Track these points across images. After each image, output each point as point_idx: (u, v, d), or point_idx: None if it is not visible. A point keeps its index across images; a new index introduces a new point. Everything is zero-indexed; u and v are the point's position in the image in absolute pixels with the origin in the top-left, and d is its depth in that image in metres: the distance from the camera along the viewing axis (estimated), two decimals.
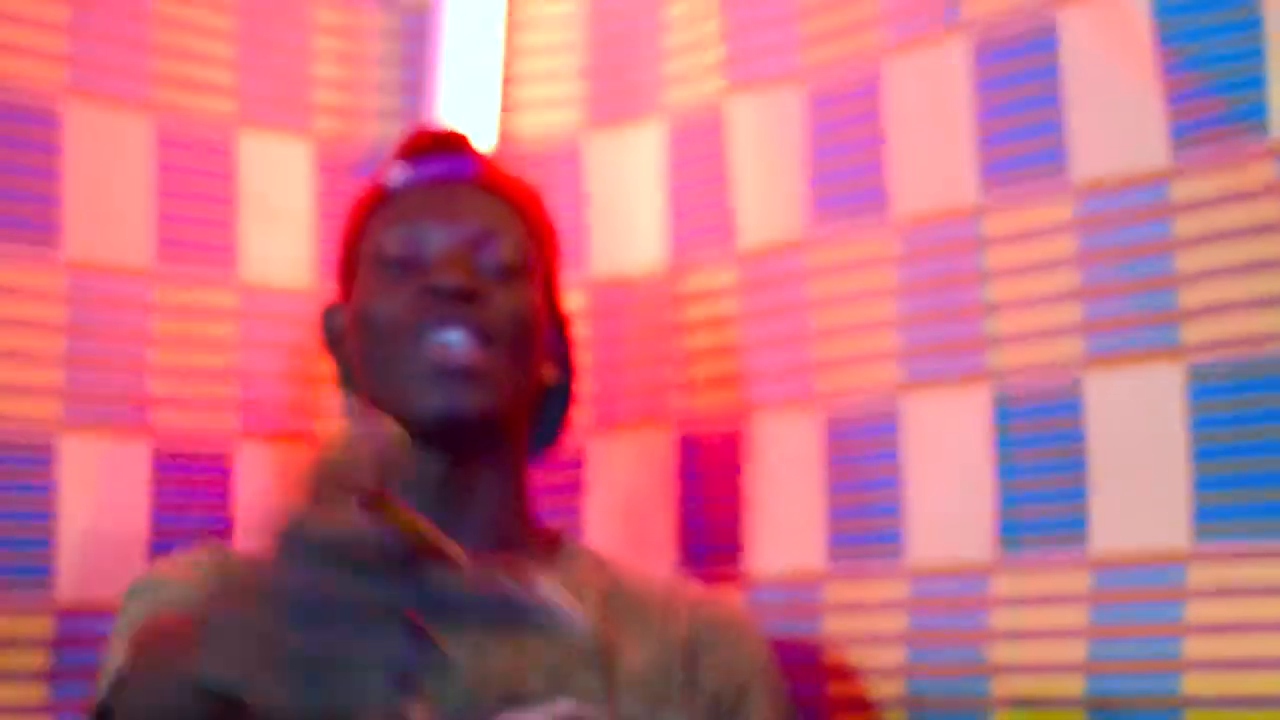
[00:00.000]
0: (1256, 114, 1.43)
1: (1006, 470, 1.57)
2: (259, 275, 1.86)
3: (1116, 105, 1.52)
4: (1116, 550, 1.50)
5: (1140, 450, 1.49)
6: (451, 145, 1.66)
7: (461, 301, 1.55)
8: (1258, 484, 1.43)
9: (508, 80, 1.96)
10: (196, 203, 1.82)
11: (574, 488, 1.89)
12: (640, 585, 1.65)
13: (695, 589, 1.65)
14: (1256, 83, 1.44)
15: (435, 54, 1.95)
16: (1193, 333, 1.46)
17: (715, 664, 1.60)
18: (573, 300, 1.85)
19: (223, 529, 1.79)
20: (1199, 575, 1.44)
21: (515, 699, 1.55)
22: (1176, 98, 1.48)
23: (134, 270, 1.76)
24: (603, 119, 1.92)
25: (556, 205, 1.82)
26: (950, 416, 1.61)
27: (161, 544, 1.73)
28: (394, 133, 1.91)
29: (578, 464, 1.88)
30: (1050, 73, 1.56)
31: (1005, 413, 1.57)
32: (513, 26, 1.96)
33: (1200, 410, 1.45)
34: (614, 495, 1.86)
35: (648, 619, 1.61)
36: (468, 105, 1.93)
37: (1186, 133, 1.47)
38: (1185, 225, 1.48)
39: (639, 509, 1.86)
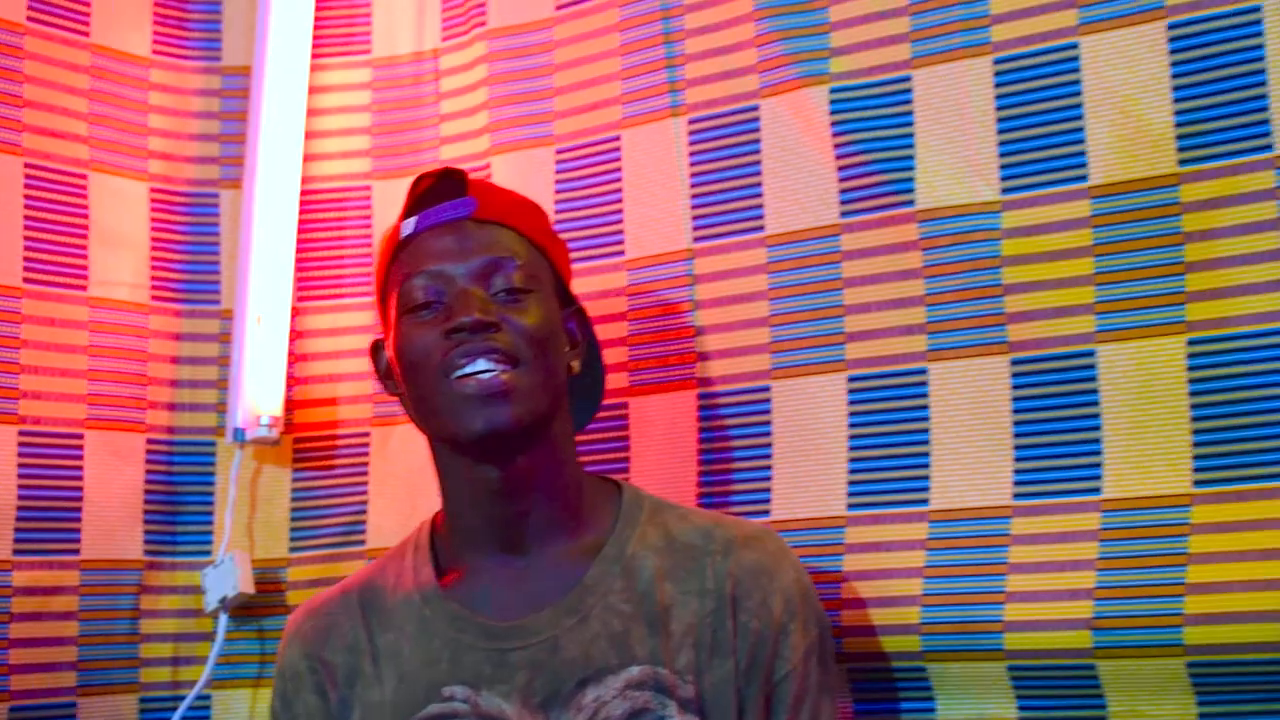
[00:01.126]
0: (906, 188, 1.90)
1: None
2: (104, 292, 2.20)
3: (802, 175, 1.96)
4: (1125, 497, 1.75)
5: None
6: (451, 185, 1.80)
7: (481, 333, 1.70)
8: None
9: (309, 134, 2.29)
10: (56, 231, 2.15)
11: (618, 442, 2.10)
12: (689, 533, 1.77)
13: (736, 531, 1.77)
14: (908, 164, 1.90)
15: (251, 110, 2.26)
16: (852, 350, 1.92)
17: (754, 607, 1.72)
18: None
19: (72, 497, 2.15)
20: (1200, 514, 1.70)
21: (592, 677, 1.71)
22: (845, 172, 1.94)
23: (6, 287, 2.10)
24: (387, 170, 2.29)
25: (347, 240, 2.21)
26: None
27: (25, 511, 2.09)
28: (216, 175, 2.28)
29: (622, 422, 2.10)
30: (754, 147, 2.00)
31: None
32: (314, 90, 2.30)
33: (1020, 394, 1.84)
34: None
35: (697, 570, 1.74)
36: (277, 154, 2.24)
37: (852, 198, 1.93)
38: (850, 268, 1.93)
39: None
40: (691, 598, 1.73)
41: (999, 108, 1.86)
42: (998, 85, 1.86)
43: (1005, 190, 1.85)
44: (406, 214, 1.80)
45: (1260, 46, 1.73)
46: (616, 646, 1.72)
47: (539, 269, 1.78)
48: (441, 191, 1.79)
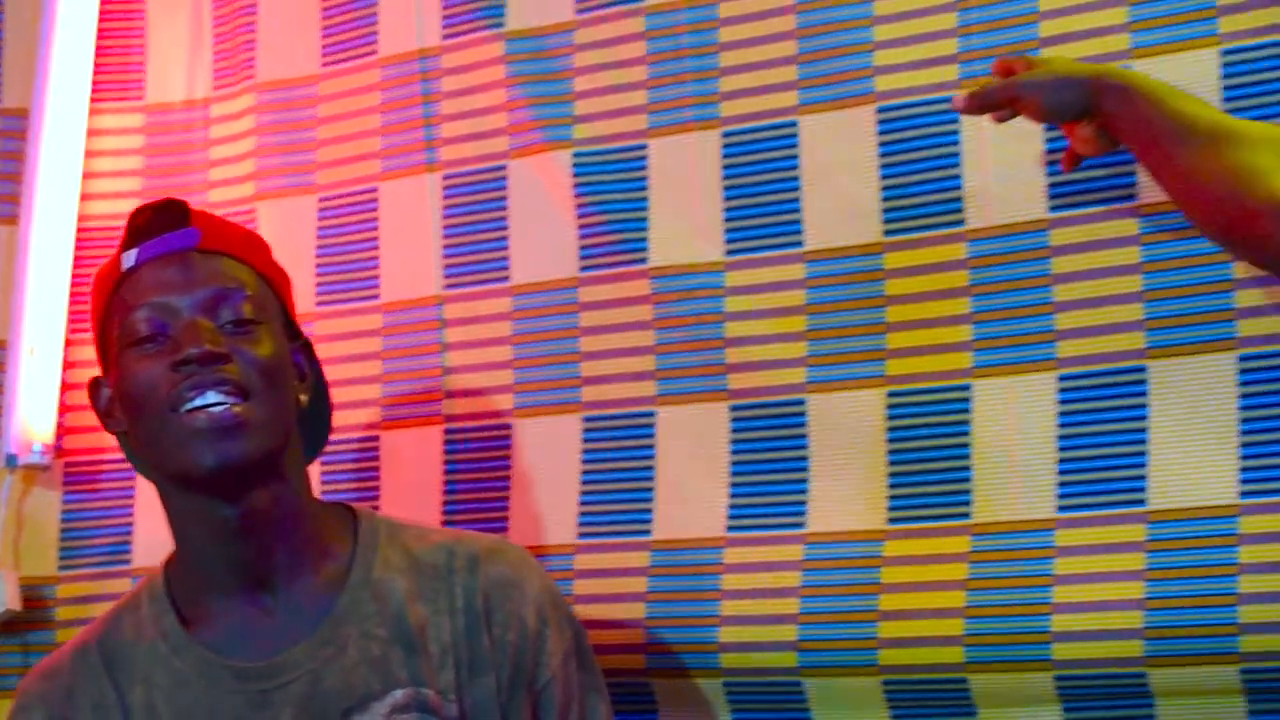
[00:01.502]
0: (640, 246, 2.08)
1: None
2: None
3: (545, 231, 2.13)
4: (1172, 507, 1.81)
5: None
6: (173, 217, 1.74)
7: (210, 364, 1.65)
8: None
9: (86, 174, 2.39)
10: None
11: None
12: (430, 552, 1.76)
13: (477, 545, 1.78)
14: (642, 225, 2.08)
15: (29, 150, 2.35)
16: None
17: (507, 620, 1.74)
18: None
19: None
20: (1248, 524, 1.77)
21: (357, 706, 1.69)
22: (585, 230, 2.12)
23: None
24: None
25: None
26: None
27: None
28: None
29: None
30: (501, 204, 2.17)
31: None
32: (90, 132, 2.40)
33: None
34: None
35: (445, 589, 1.74)
36: (53, 193, 2.34)
37: (590, 254, 2.11)
38: (587, 318, 2.10)
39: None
40: (444, 617, 1.73)
41: (725, 177, 2.04)
42: (725, 156, 2.04)
43: (729, 252, 2.03)
44: (126, 246, 1.75)
45: (956, 131, 1.93)
46: (378, 672, 1.70)
47: (267, 300, 1.75)
48: (163, 223, 1.74)
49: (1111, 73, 1.73)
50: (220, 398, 1.65)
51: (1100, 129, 1.73)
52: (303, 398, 1.78)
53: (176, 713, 1.71)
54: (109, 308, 1.75)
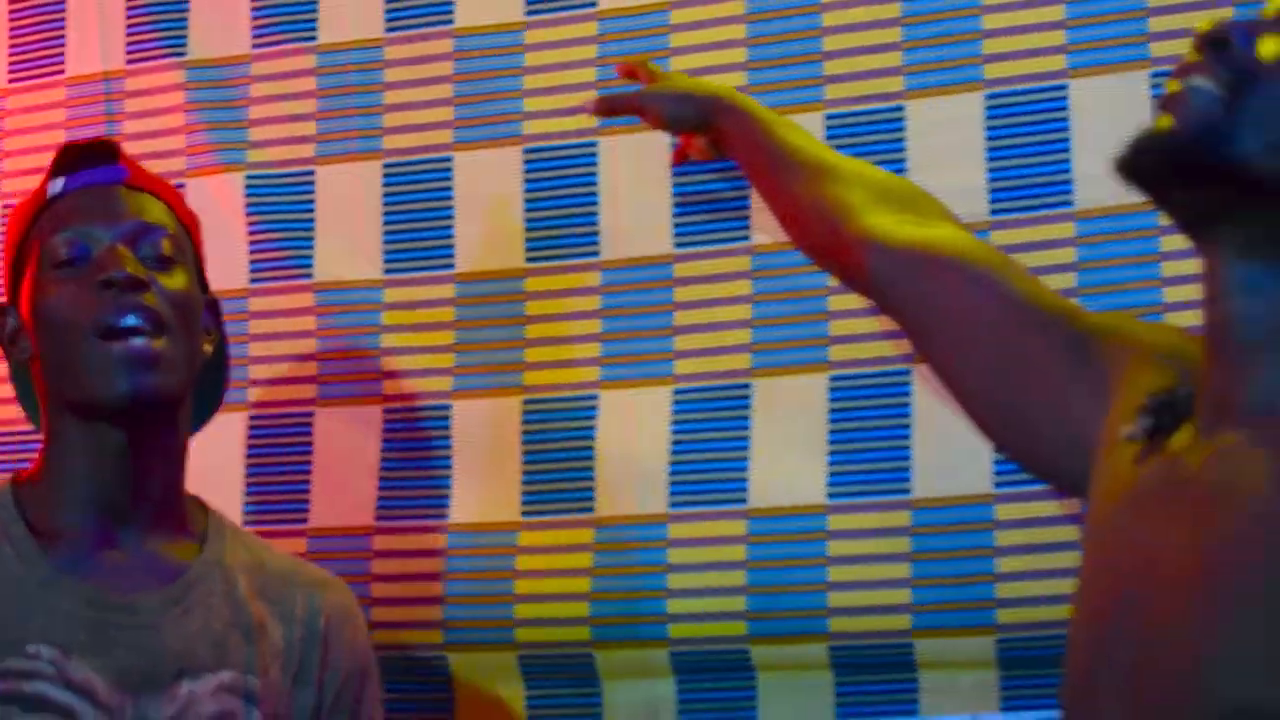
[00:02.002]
0: (306, 263, 2.29)
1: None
2: None
3: (218, 246, 2.25)
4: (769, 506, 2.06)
5: None
6: (101, 153, 1.79)
7: (132, 290, 1.69)
8: None
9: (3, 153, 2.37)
10: None
11: None
12: (275, 561, 1.82)
13: (318, 572, 1.86)
14: (308, 244, 2.28)
15: None
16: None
17: (344, 649, 1.80)
18: None
19: None
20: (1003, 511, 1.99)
21: (191, 672, 1.69)
22: (255, 246, 2.30)
23: None
24: None
25: None
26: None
27: None
28: None
29: None
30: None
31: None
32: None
33: None
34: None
35: (288, 597, 1.79)
36: None
37: (259, 268, 2.31)
38: (256, 326, 2.29)
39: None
40: (282, 622, 1.77)
41: (385, 204, 2.26)
42: (385, 185, 2.26)
43: (386, 271, 2.25)
44: (53, 176, 1.79)
45: (595, 173, 2.19)
46: (215, 648, 1.72)
47: (185, 245, 1.79)
48: (91, 158, 1.80)
49: (729, 94, 1.99)
50: (139, 321, 1.69)
51: (712, 142, 2.00)
52: (207, 348, 1.82)
53: (7, 614, 1.70)
54: (29, 233, 1.78)
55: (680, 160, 2.07)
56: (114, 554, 1.75)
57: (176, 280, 1.76)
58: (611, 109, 2.04)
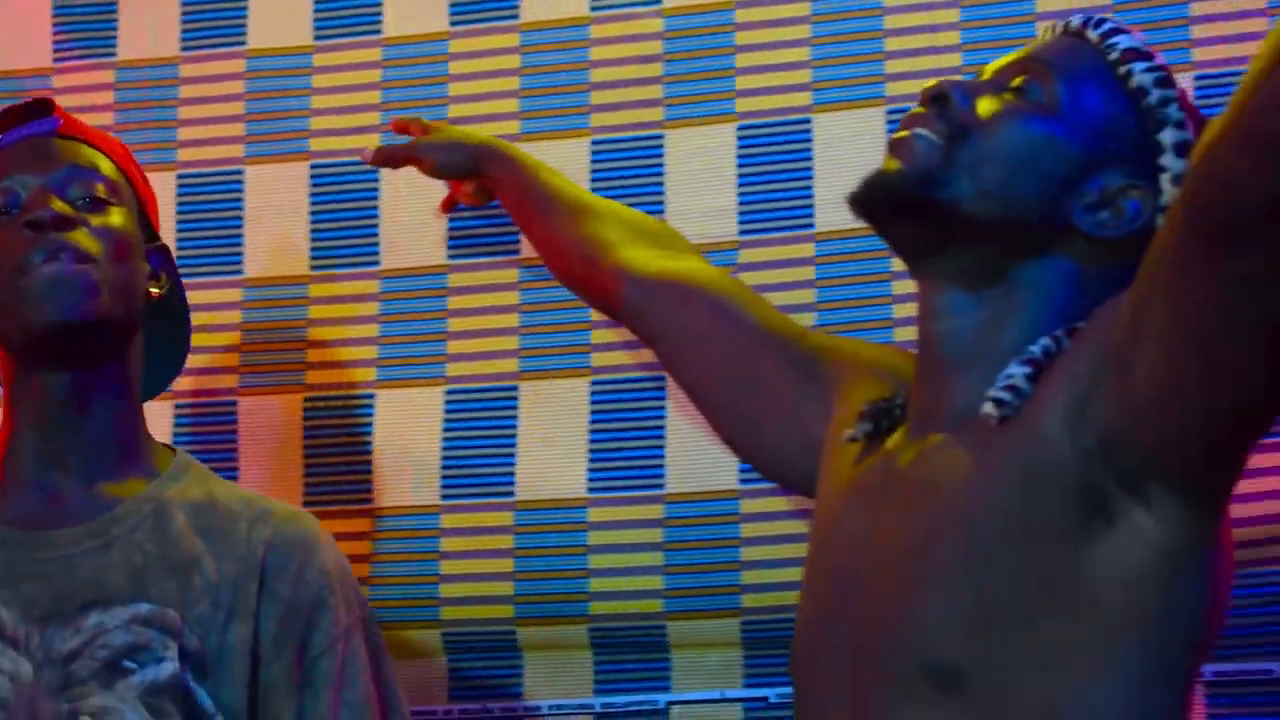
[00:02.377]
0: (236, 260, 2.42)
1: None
2: None
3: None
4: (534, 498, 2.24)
5: None
6: (36, 110, 1.84)
7: (54, 229, 1.73)
8: None
9: None
10: None
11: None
12: (231, 499, 1.83)
13: (277, 505, 1.86)
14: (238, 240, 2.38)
15: None
16: None
17: (288, 578, 1.78)
18: None
19: None
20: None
21: (100, 603, 1.71)
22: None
23: None
24: None
25: None
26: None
27: None
28: None
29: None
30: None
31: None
32: None
33: None
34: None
35: (230, 532, 1.79)
36: None
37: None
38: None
39: None
40: (217, 558, 1.77)
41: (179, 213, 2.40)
42: (179, 195, 2.40)
43: None
44: None
45: (377, 188, 2.36)
46: (132, 580, 1.73)
47: (122, 190, 1.84)
48: (27, 116, 1.86)
49: (497, 143, 2.19)
50: (69, 261, 1.74)
51: (480, 188, 2.19)
52: (154, 290, 1.87)
53: None
54: None
55: (449, 206, 2.25)
56: (48, 494, 1.81)
57: (111, 219, 1.80)
58: (388, 160, 2.21)
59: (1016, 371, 1.52)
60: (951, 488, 1.51)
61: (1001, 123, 1.57)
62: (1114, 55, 1.60)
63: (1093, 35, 1.62)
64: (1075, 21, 1.65)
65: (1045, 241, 1.57)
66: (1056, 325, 1.55)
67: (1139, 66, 1.60)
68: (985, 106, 1.58)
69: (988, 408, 1.52)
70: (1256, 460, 2.03)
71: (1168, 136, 1.58)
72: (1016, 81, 1.60)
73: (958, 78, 1.71)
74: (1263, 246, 1.28)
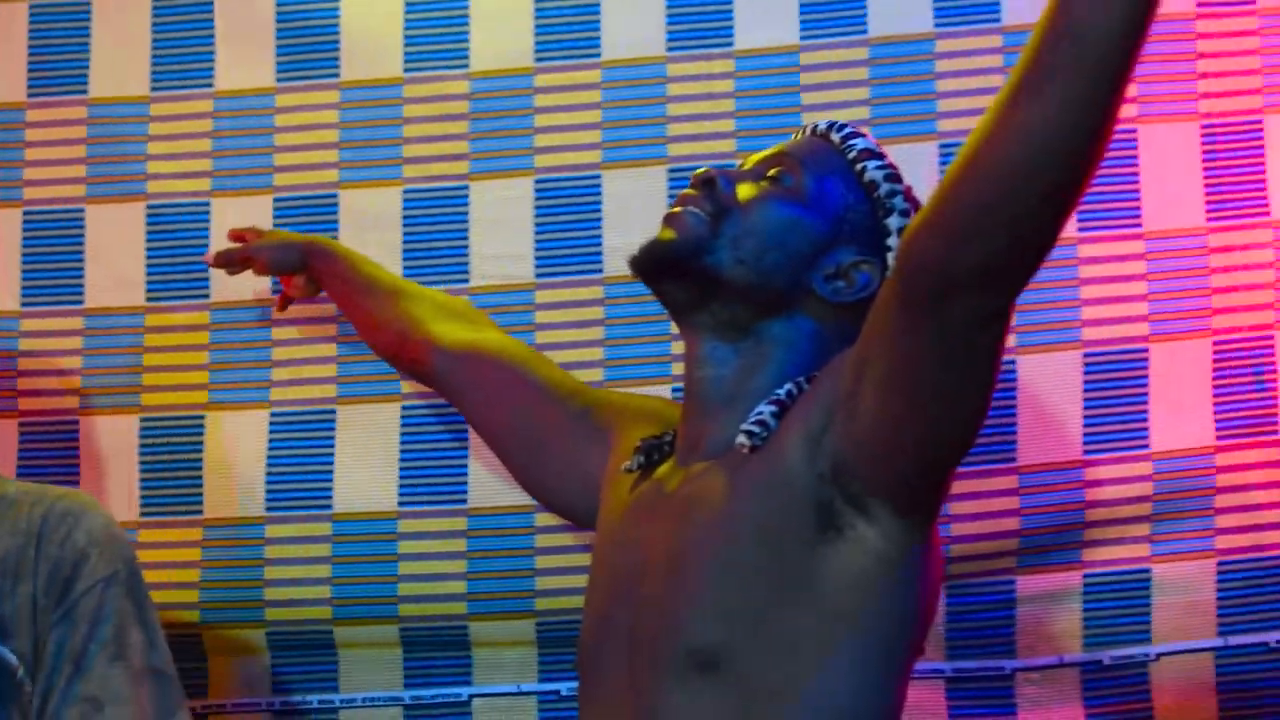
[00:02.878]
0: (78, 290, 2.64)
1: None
2: None
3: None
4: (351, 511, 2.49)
5: None
6: None
7: None
8: None
9: None
10: None
11: None
12: (20, 493, 2.05)
13: (57, 490, 2.09)
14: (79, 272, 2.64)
15: None
16: None
17: (58, 539, 1.99)
18: None
19: None
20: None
21: None
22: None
23: None
24: None
25: None
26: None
27: None
28: None
29: None
30: None
31: None
32: None
33: None
34: None
35: (16, 515, 2.02)
36: None
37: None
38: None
39: None
40: (6, 535, 2.00)
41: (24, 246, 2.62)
42: (24, 231, 2.62)
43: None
44: None
45: (207, 228, 2.60)
46: None
47: None
48: None
49: (320, 239, 2.46)
50: None
51: (309, 280, 2.46)
52: None
53: None
54: None
55: (284, 304, 2.50)
56: None
57: None
58: (228, 262, 2.47)
59: (765, 410, 1.82)
60: (711, 503, 1.81)
61: (758, 205, 1.87)
62: (852, 154, 1.92)
63: (835, 138, 1.94)
64: (822, 126, 1.97)
65: (791, 304, 1.87)
66: (798, 373, 1.86)
67: (872, 164, 1.91)
68: (745, 191, 1.89)
69: (741, 439, 1.82)
70: (987, 484, 2.41)
71: (894, 222, 1.90)
72: (772, 171, 1.91)
73: (726, 163, 2.05)
74: (957, 313, 1.59)
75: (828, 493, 1.75)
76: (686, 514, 1.83)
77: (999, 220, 1.52)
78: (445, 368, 2.25)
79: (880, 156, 1.92)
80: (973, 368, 1.64)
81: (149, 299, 2.61)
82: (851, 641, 1.75)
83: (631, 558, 1.87)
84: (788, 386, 1.84)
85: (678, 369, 2.37)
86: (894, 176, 1.92)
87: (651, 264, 1.88)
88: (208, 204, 2.62)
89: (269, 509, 2.55)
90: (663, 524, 1.85)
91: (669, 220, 1.89)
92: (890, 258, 1.88)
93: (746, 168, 1.94)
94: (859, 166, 1.91)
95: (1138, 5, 1.42)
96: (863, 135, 1.94)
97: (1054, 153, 1.47)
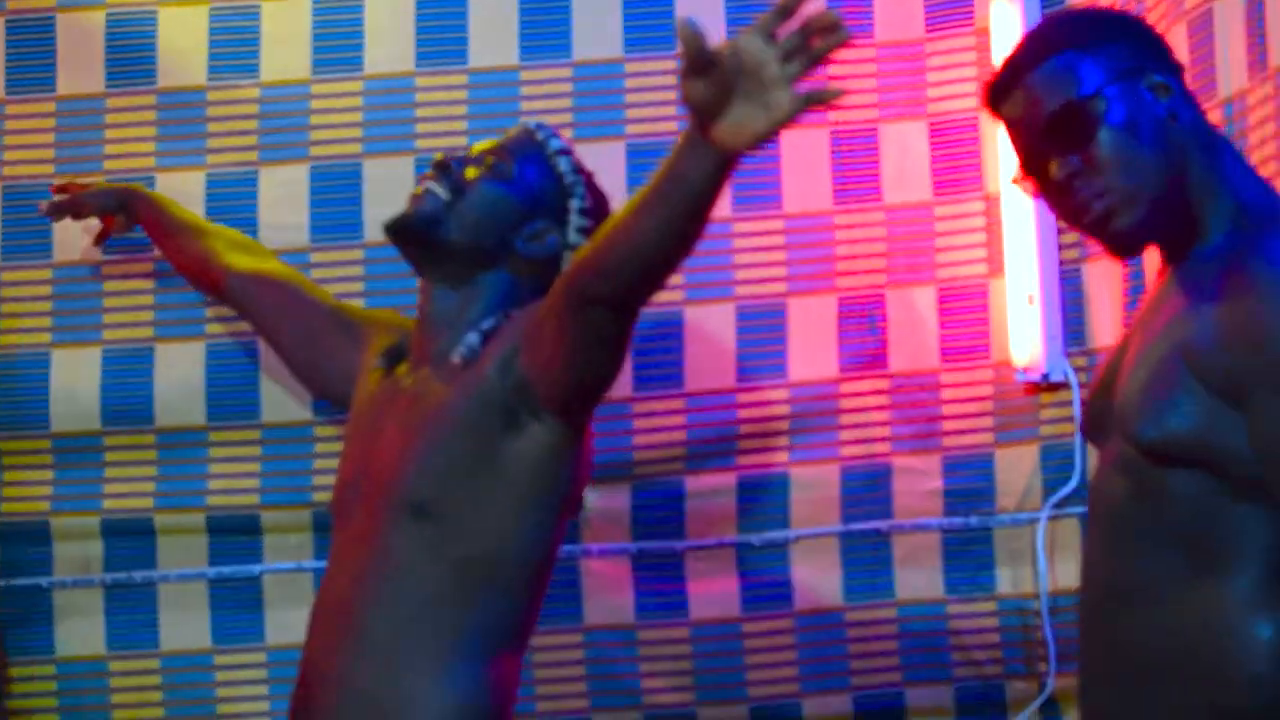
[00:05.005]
0: None
1: None
2: None
3: None
4: None
5: None
6: None
7: None
8: None
9: None
10: None
11: None
12: None
13: None
14: None
15: None
16: None
17: None
18: None
19: None
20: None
21: None
22: None
23: None
24: None
25: None
26: None
27: None
28: None
29: None
30: None
31: None
32: None
33: None
34: None
35: None
36: None
37: None
38: None
39: None
40: None
41: None
42: None
43: None
44: None
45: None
46: None
47: None
48: None
49: (135, 186, 3.05)
50: None
51: (126, 220, 3.04)
52: None
53: None
54: None
55: (102, 238, 3.05)
56: None
57: None
58: (56, 209, 3.03)
59: (474, 337, 2.50)
60: (431, 400, 2.48)
61: (479, 184, 2.52)
62: (549, 150, 2.58)
63: (538, 135, 2.61)
64: (530, 125, 2.64)
65: (498, 260, 2.54)
66: (501, 310, 2.52)
67: (563, 159, 2.58)
68: (470, 173, 2.55)
69: (455, 356, 2.49)
70: (661, 405, 3.10)
71: (574, 203, 2.57)
72: (489, 160, 2.57)
73: (458, 151, 2.67)
74: (595, 317, 2.27)
75: (512, 400, 2.43)
76: (413, 406, 2.50)
77: (623, 276, 2.19)
78: (237, 288, 2.88)
79: (569, 152, 2.58)
80: (605, 344, 2.33)
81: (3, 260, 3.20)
82: (523, 502, 2.45)
83: (373, 434, 2.54)
84: (492, 320, 2.51)
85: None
86: (578, 169, 2.58)
87: (397, 232, 2.53)
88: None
89: (104, 424, 3.15)
90: (396, 412, 2.53)
91: (413, 200, 2.54)
92: (570, 229, 2.55)
93: (472, 155, 2.58)
94: (554, 159, 2.57)
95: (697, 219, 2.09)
96: (558, 136, 2.60)
97: (656, 248, 2.14)
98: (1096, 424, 2.24)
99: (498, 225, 2.52)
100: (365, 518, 2.48)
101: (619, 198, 2.68)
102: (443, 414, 2.43)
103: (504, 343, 2.44)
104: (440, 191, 2.49)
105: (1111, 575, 2.12)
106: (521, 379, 2.39)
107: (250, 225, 3.14)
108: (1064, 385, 3.12)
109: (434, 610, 2.40)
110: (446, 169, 2.51)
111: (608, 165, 2.93)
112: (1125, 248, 2.13)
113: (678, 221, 2.08)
